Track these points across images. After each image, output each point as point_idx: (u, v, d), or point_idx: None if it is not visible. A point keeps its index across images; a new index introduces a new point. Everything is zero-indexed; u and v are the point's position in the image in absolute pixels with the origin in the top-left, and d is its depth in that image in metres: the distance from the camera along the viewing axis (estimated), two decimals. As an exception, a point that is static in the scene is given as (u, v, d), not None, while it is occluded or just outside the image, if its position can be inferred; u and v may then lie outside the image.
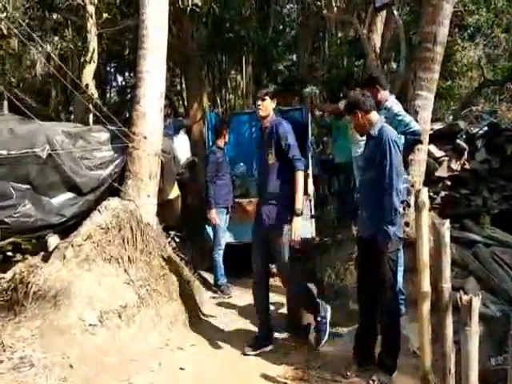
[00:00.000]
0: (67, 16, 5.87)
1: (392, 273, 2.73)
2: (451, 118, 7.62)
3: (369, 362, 2.87)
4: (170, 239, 4.35)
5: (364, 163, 2.91)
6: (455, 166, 4.47)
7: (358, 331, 3.00)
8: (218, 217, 4.74)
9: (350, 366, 2.90)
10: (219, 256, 4.77)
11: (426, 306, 2.25)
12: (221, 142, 4.98)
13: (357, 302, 3.11)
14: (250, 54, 8.66)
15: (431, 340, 2.30)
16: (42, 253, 3.48)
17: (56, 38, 5.14)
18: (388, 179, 2.58)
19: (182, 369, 3.07)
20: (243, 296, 4.63)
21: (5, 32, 4.42)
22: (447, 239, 2.05)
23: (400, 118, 3.36)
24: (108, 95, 10.98)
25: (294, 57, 10.68)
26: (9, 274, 3.27)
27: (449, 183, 4.48)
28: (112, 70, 10.46)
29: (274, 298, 4.53)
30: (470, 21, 8.81)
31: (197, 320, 3.87)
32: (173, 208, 5.05)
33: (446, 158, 4.44)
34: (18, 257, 3.36)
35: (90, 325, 3.03)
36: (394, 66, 7.13)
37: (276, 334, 3.61)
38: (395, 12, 5.56)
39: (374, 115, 2.76)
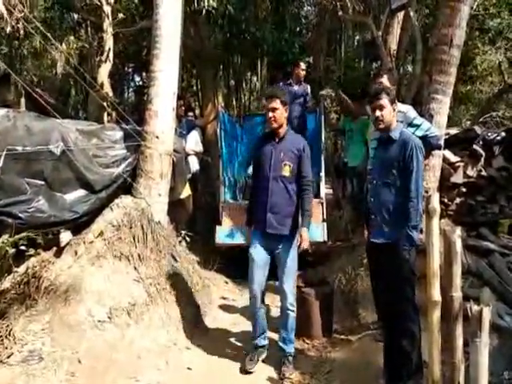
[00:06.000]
0: (86, 16, 5.98)
1: (412, 286, 2.58)
2: (468, 123, 7.47)
3: (397, 381, 2.66)
4: (180, 238, 4.37)
5: (380, 167, 2.75)
6: (471, 172, 4.36)
7: (384, 347, 2.81)
8: None
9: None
10: None
11: (435, 315, 2.19)
12: None
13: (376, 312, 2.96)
14: (265, 55, 8.67)
15: (441, 350, 2.24)
16: (54, 248, 3.52)
17: (72, 38, 5.23)
18: (415, 184, 2.52)
19: (189, 368, 3.09)
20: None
21: (21, 32, 4.51)
22: (458, 247, 2.00)
23: (419, 122, 3.30)
24: (126, 95, 11.15)
25: (310, 59, 10.62)
26: (22, 268, 3.32)
27: (464, 190, 4.37)
28: (130, 70, 10.60)
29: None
30: (491, 24, 8.64)
31: (205, 320, 3.88)
32: (184, 207, 5.07)
33: (462, 164, 4.33)
34: (32, 251, 3.40)
35: (99, 321, 3.06)
36: (410, 68, 7.02)
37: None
38: (412, 14, 5.47)
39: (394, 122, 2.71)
